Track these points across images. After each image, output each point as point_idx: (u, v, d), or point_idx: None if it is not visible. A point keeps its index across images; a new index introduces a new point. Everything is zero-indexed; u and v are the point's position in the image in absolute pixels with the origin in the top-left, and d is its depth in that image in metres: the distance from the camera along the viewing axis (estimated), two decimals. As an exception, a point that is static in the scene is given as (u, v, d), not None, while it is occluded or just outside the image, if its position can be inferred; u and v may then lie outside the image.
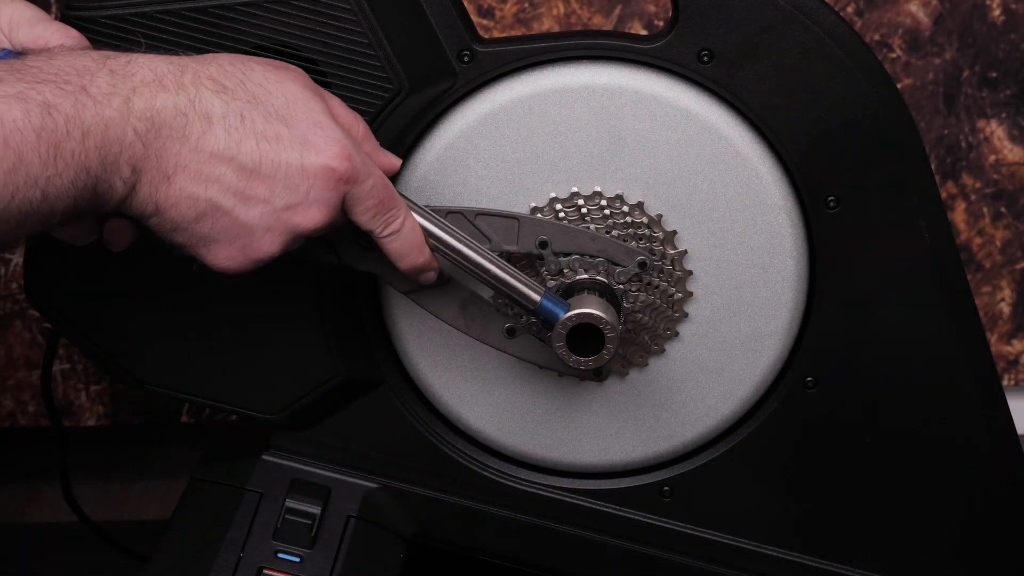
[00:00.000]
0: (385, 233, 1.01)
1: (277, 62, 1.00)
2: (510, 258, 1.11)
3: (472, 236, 1.08)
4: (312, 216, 0.97)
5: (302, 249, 1.06)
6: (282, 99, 0.97)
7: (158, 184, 0.93)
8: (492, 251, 1.08)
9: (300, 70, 1.00)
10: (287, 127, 0.96)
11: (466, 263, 1.05)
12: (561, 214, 1.11)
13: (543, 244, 1.09)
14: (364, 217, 1.00)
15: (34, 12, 1.03)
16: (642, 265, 1.10)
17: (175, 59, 0.95)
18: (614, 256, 1.10)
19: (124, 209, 0.94)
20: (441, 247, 1.05)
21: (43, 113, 0.87)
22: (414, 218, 1.03)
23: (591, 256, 1.10)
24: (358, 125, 1.03)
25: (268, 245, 0.97)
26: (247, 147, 0.94)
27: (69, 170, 0.88)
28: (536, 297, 1.06)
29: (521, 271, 1.08)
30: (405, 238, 1.02)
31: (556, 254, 1.10)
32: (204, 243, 0.96)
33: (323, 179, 0.97)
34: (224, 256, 0.97)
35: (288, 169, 0.96)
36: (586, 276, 1.10)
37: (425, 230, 1.04)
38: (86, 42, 1.02)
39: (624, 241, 1.11)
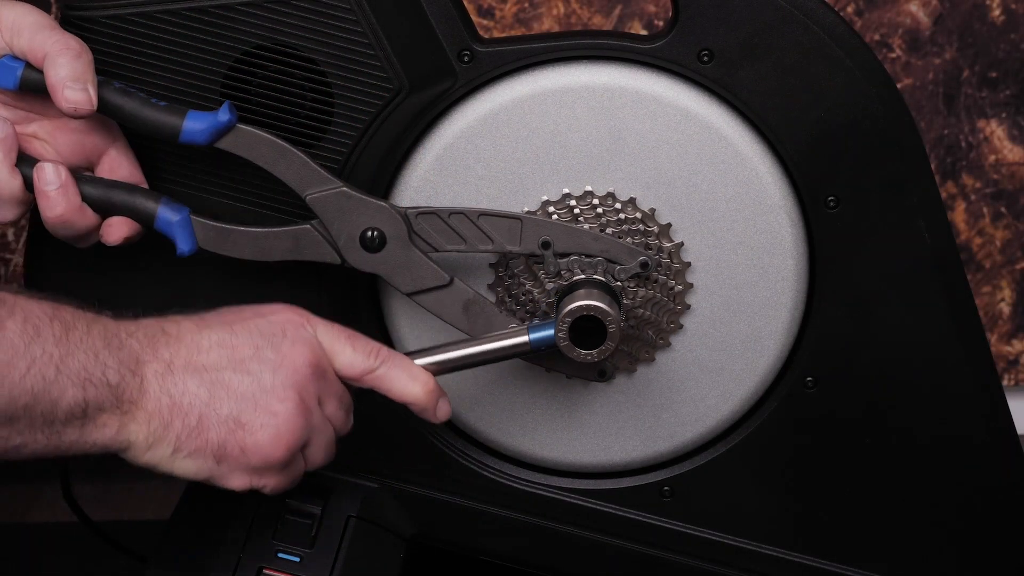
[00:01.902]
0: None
1: (266, 314, 1.04)
2: (510, 259, 1.11)
3: (475, 237, 1.08)
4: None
5: (305, 250, 1.07)
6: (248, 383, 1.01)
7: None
8: (495, 252, 1.09)
9: (287, 316, 1.04)
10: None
11: (454, 366, 1.09)
12: (555, 216, 1.11)
13: (545, 244, 1.09)
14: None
15: (36, 18, 1.03)
16: (644, 265, 1.10)
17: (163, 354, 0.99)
18: (617, 256, 1.10)
19: (137, 417, 0.98)
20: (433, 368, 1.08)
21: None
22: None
23: (591, 256, 1.10)
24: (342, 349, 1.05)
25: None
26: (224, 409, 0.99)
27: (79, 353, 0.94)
28: (525, 339, 1.08)
29: (518, 276, 1.10)
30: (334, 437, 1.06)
31: (557, 255, 1.10)
32: (237, 426, 0.99)
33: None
34: (265, 436, 1.00)
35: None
36: (583, 276, 1.10)
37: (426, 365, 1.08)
38: (87, 52, 1.03)
39: (622, 239, 1.11)
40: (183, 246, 1.06)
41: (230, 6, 1.06)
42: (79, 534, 1.33)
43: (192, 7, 1.06)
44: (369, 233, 1.07)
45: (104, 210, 1.05)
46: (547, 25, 1.66)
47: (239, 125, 1.05)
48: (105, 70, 1.07)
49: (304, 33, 1.07)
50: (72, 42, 1.02)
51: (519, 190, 1.11)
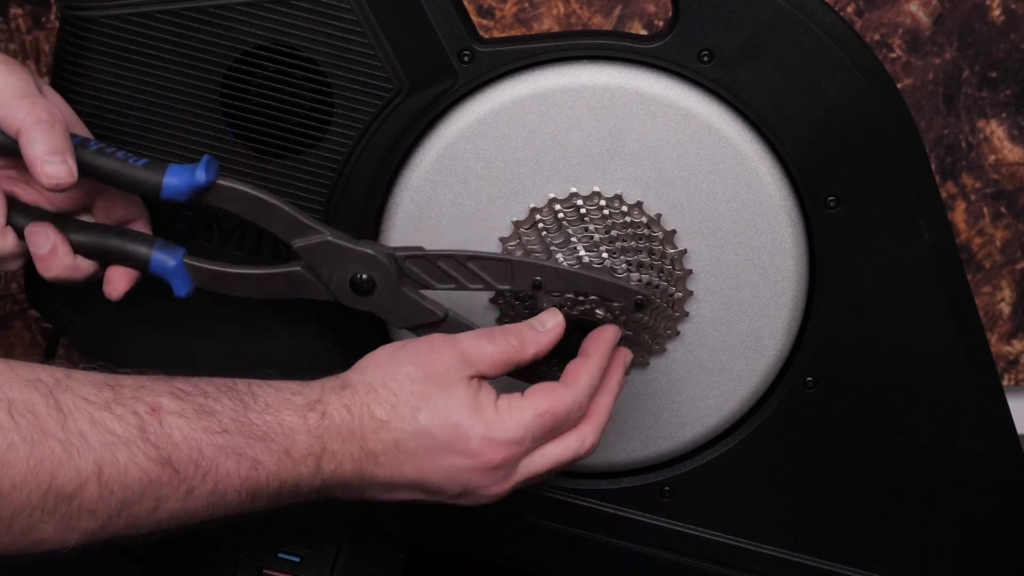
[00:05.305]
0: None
1: (422, 348, 1.02)
2: (503, 295, 1.10)
3: (466, 277, 1.07)
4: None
5: (299, 290, 1.06)
6: (426, 416, 1.00)
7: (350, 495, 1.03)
8: (488, 290, 1.08)
9: (444, 346, 1.02)
10: (434, 440, 1.00)
11: None
12: (560, 215, 1.11)
13: (537, 285, 1.08)
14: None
15: (7, 81, 1.01)
16: (639, 305, 1.09)
17: (347, 397, 1.00)
18: (610, 296, 1.08)
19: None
20: None
21: (251, 467, 0.97)
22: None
23: (585, 296, 1.09)
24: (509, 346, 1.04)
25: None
26: (408, 470, 1.00)
27: (261, 505, 0.99)
28: None
29: (517, 308, 1.11)
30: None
31: (550, 293, 1.09)
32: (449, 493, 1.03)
33: (479, 471, 1.01)
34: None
35: (448, 471, 1.01)
36: (577, 314, 1.09)
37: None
38: (60, 121, 1.00)
39: (623, 248, 1.11)
40: (179, 290, 1.06)
41: (230, 6, 1.06)
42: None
43: (192, 7, 1.06)
44: (358, 277, 1.06)
45: (98, 257, 1.05)
46: (547, 25, 1.66)
47: (219, 182, 1.04)
48: (106, 70, 1.07)
49: (304, 33, 1.07)
50: (43, 113, 1.00)
51: (519, 190, 1.11)
